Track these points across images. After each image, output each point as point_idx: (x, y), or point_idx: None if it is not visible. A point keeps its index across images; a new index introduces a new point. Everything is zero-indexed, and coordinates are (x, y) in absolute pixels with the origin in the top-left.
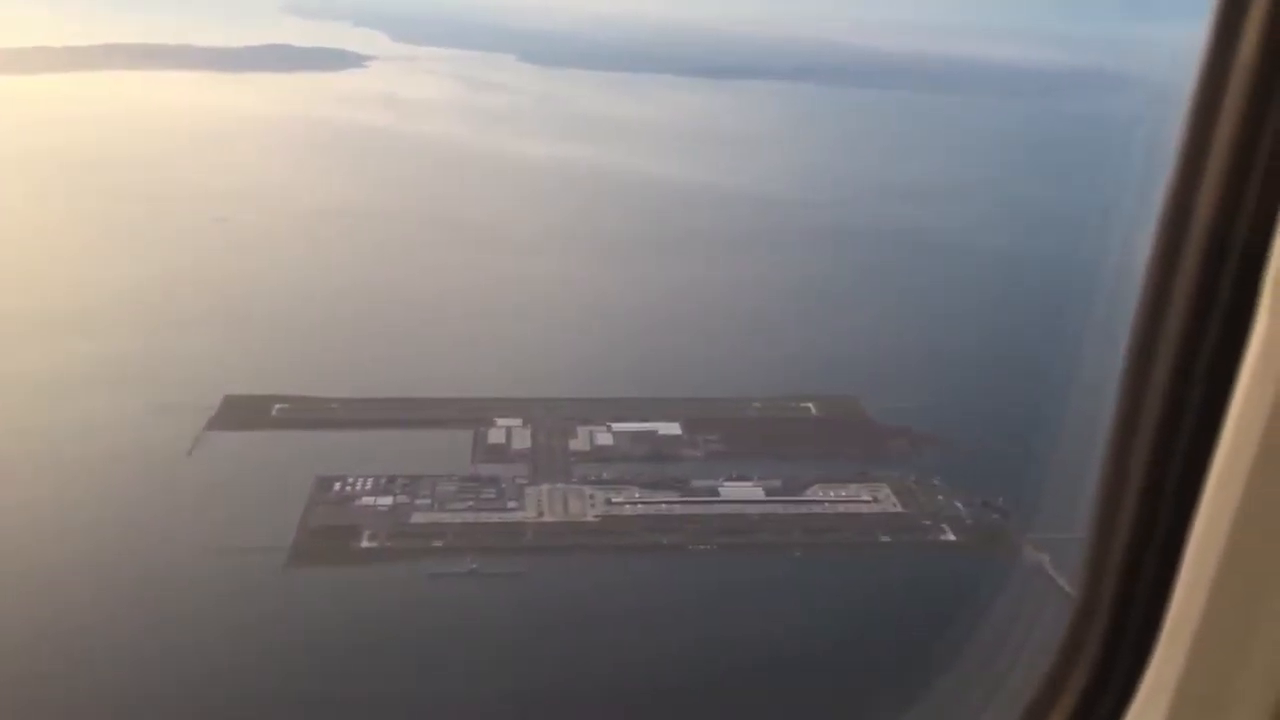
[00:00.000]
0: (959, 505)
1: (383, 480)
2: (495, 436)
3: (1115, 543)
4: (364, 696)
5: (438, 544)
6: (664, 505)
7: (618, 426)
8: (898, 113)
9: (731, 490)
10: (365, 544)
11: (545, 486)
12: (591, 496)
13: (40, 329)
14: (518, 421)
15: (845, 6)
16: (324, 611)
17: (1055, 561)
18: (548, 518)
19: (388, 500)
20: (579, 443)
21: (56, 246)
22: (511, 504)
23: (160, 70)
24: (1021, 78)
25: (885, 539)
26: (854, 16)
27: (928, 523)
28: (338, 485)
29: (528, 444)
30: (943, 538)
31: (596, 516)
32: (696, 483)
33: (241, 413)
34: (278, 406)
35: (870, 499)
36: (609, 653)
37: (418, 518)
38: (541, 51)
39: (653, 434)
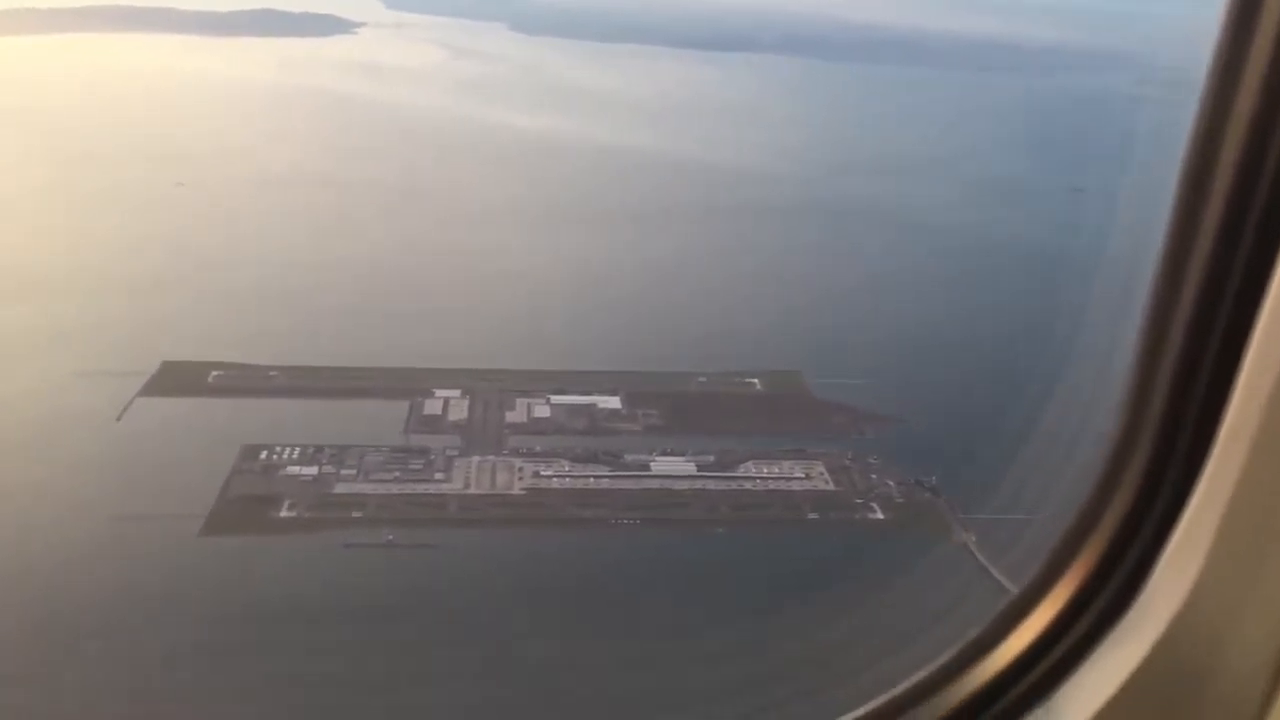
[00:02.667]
0: (891, 484)
1: (310, 450)
2: (431, 407)
3: (1169, 342)
4: (253, 664)
5: (357, 515)
6: (592, 479)
7: (556, 399)
8: (888, 88)
9: (663, 465)
10: (284, 514)
11: (475, 459)
12: (520, 469)
13: None
14: (457, 393)
15: None
16: (227, 579)
17: (981, 541)
18: (473, 490)
19: (313, 470)
20: (516, 415)
21: (4, 210)
22: (438, 475)
23: (142, 33)
24: (1021, 54)
25: (812, 516)
26: None
27: (858, 500)
28: (264, 454)
29: (464, 415)
30: (870, 515)
31: (523, 489)
32: (629, 457)
33: (177, 379)
34: (215, 373)
35: (803, 476)
36: (494, 624)
37: (341, 488)
38: (533, 21)
39: (591, 407)
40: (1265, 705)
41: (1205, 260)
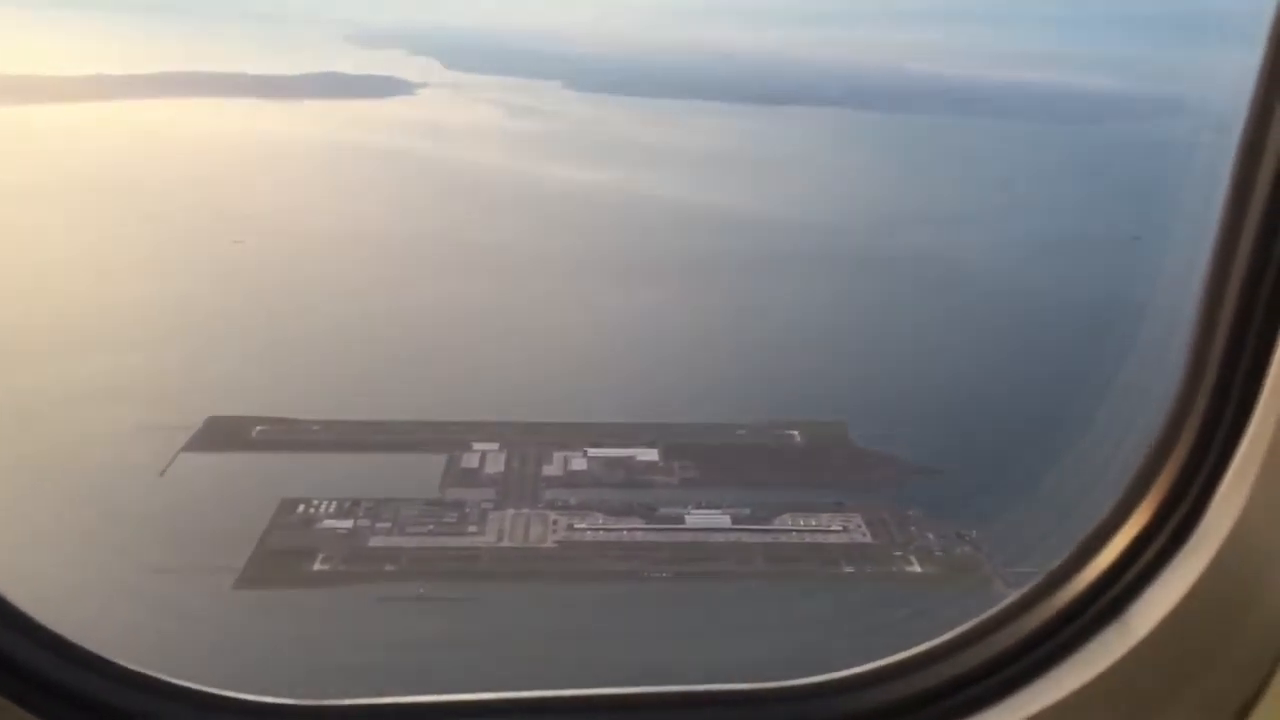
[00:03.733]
0: (930, 536)
1: (346, 503)
2: (469, 461)
3: (1223, 308)
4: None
5: (390, 568)
6: (625, 532)
7: (594, 452)
8: (946, 139)
9: (698, 518)
10: (318, 567)
11: (509, 512)
12: (554, 522)
13: (45, 346)
14: (494, 446)
15: (902, 34)
16: (257, 630)
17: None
18: (506, 543)
19: (348, 523)
20: (553, 468)
21: (70, 267)
22: (472, 529)
23: (212, 97)
24: (1079, 103)
25: (848, 569)
26: (911, 43)
27: (896, 553)
28: (301, 508)
29: (501, 469)
30: (908, 569)
31: (555, 543)
32: (665, 510)
33: (222, 434)
34: (258, 428)
35: (840, 528)
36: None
37: (375, 541)
38: (590, 78)
39: (629, 460)
40: None
41: (1262, 214)
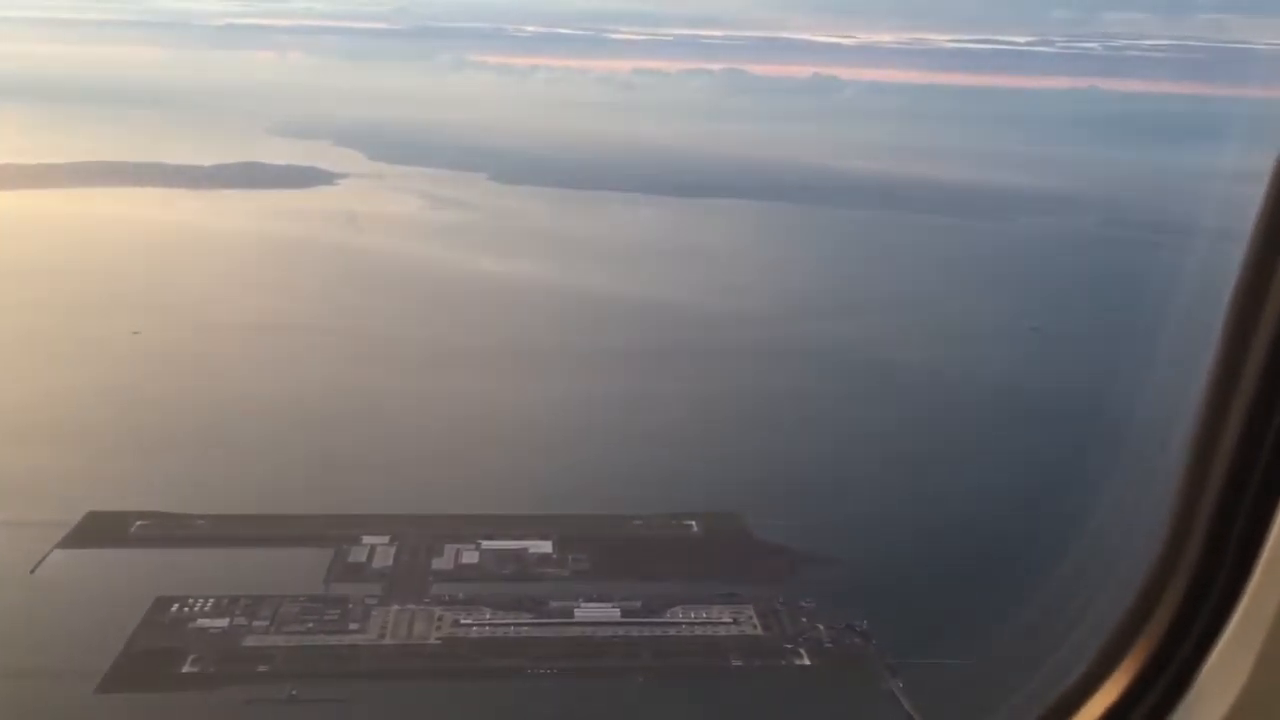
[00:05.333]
0: (820, 628)
1: (224, 601)
2: (356, 555)
3: (1206, 495)
4: None
5: (263, 669)
6: (513, 627)
7: (486, 544)
8: (862, 231)
9: (587, 611)
10: (187, 669)
11: (394, 607)
12: (440, 618)
13: None
14: (385, 539)
15: (816, 129)
16: None
17: (908, 687)
18: (388, 640)
19: (224, 622)
20: (443, 561)
21: None
22: (354, 626)
23: (127, 187)
24: (992, 198)
25: (737, 663)
26: (824, 138)
27: (786, 646)
28: (175, 606)
29: (389, 562)
30: (797, 662)
31: (439, 639)
32: (555, 603)
33: (99, 530)
34: (138, 523)
35: (731, 621)
36: None
37: (250, 640)
38: (514, 170)
39: (522, 552)
40: None
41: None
